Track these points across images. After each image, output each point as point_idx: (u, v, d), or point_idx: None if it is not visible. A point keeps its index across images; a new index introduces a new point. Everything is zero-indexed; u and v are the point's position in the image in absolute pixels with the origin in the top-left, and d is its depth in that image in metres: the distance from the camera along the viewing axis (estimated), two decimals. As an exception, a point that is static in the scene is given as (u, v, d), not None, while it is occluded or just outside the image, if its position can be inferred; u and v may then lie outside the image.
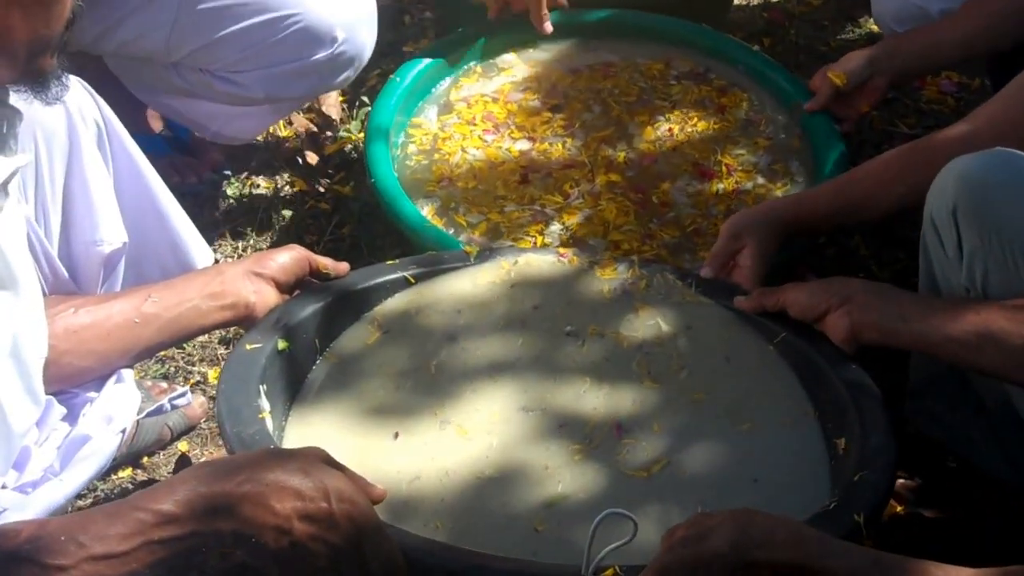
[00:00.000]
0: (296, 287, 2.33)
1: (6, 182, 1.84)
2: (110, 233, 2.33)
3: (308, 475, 1.71)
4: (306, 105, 3.39)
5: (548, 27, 3.18)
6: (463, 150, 3.01)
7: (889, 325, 2.19)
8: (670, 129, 3.04)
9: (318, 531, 1.69)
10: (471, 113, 3.10)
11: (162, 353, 2.81)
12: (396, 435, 2.16)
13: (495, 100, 3.13)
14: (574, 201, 2.86)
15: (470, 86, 3.19)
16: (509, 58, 3.26)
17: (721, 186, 2.88)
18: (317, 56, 2.91)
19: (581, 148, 2.98)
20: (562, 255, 2.48)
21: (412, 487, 2.05)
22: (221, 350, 2.84)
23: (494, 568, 1.84)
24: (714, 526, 1.68)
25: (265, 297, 2.27)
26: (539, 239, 2.75)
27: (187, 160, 3.21)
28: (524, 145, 3.01)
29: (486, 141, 3.02)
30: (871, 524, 1.92)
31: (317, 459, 1.75)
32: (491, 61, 3.25)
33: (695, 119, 3.07)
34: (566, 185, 2.89)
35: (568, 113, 3.08)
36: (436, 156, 2.99)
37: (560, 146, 2.99)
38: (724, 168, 2.92)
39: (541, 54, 3.27)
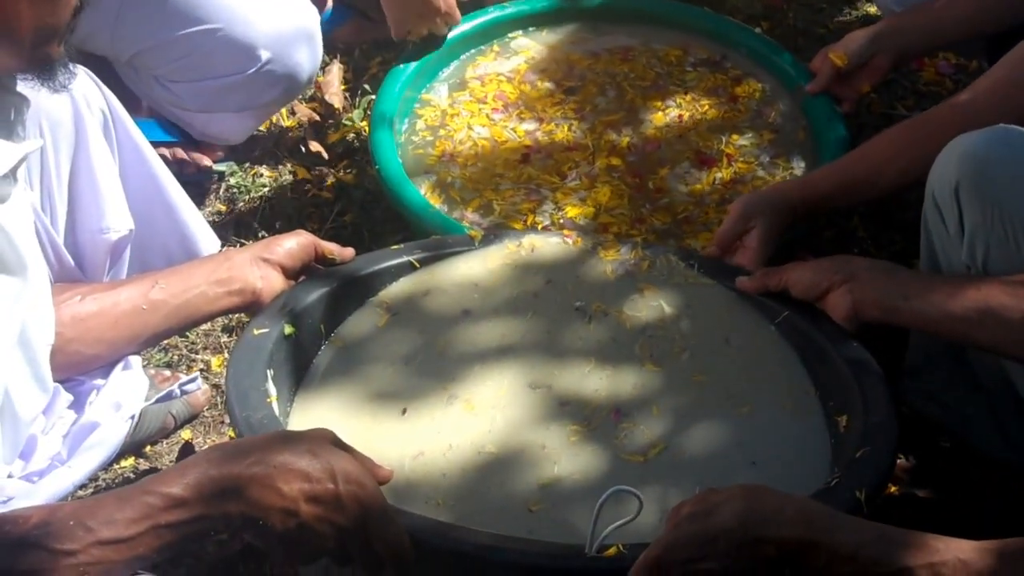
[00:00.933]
0: (302, 273, 2.33)
1: (14, 168, 1.85)
2: (116, 220, 2.35)
3: (315, 457, 1.72)
4: (309, 94, 3.40)
5: None
6: (469, 127, 3.03)
7: (890, 302, 2.20)
8: (680, 116, 3.04)
9: (325, 512, 1.71)
10: (484, 91, 3.12)
11: (165, 341, 2.82)
12: (404, 411, 2.17)
13: (510, 80, 3.15)
14: (570, 182, 2.87)
15: (486, 64, 3.21)
16: (526, 40, 3.27)
17: (719, 175, 2.89)
18: (243, 73, 2.95)
19: (587, 131, 3.00)
20: (566, 236, 2.50)
21: (416, 463, 2.07)
22: (224, 338, 2.85)
23: (500, 548, 1.85)
24: (721, 502, 1.70)
25: (272, 283, 2.27)
26: (530, 218, 2.78)
27: (187, 149, 3.21)
28: (531, 126, 3.02)
29: (493, 120, 3.04)
30: (872, 501, 1.93)
31: (325, 441, 1.77)
32: (508, 42, 3.26)
33: (706, 106, 3.07)
34: (565, 167, 2.91)
35: (582, 96, 3.10)
36: (442, 132, 3.02)
37: (566, 128, 3.01)
38: (725, 158, 2.93)
39: (560, 36, 3.29)
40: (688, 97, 3.09)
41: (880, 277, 2.24)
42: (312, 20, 3.03)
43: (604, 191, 2.83)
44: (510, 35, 3.28)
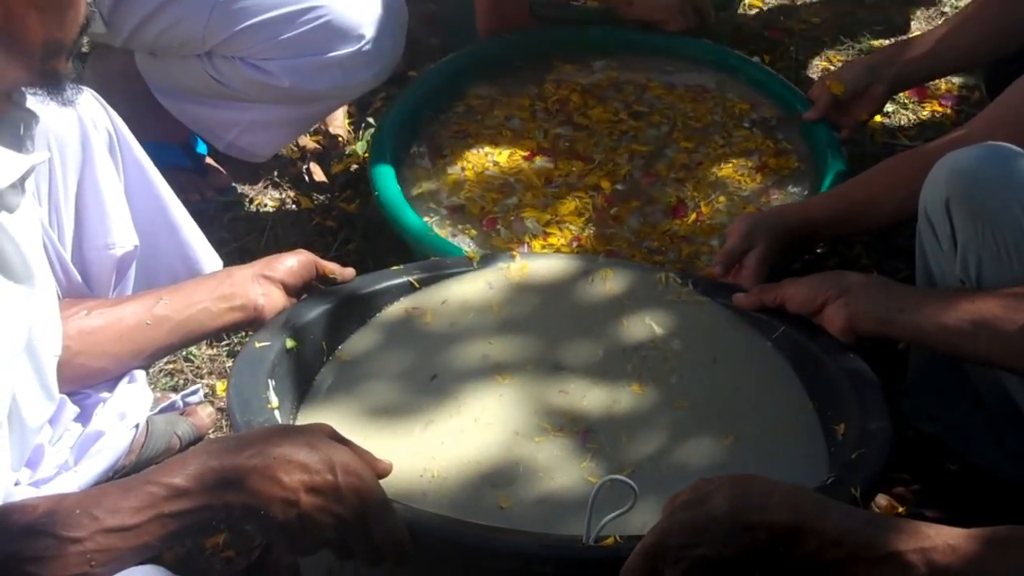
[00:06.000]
0: (303, 291, 2.36)
1: (23, 178, 1.88)
2: (121, 237, 2.38)
3: (315, 449, 1.76)
4: (312, 127, 3.44)
5: None
6: (507, 118, 3.11)
7: (885, 315, 2.23)
8: (700, 163, 3.02)
9: (324, 503, 1.74)
10: (552, 93, 3.19)
11: (171, 366, 2.86)
12: (434, 377, 2.27)
13: (585, 91, 3.20)
14: (550, 188, 2.93)
15: (571, 73, 3.27)
16: (613, 61, 3.32)
17: (675, 227, 2.86)
18: (341, 51, 3.00)
19: (608, 150, 3.04)
20: (563, 256, 2.54)
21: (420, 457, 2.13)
22: (229, 363, 2.87)
23: (497, 540, 1.87)
24: (713, 490, 1.72)
25: (273, 299, 2.30)
26: (489, 207, 2.86)
27: (192, 178, 3.27)
28: (565, 131, 3.08)
29: (536, 118, 3.11)
30: (868, 498, 1.96)
31: (323, 434, 1.81)
32: (592, 60, 3.33)
33: (731, 166, 3.03)
34: (557, 173, 2.96)
35: (643, 123, 3.12)
36: (478, 117, 3.12)
37: (592, 142, 3.05)
38: (695, 214, 2.90)
39: (647, 64, 3.32)
40: (722, 151, 3.06)
41: (875, 290, 2.27)
42: (404, 11, 3.13)
43: (569, 204, 2.87)
44: (601, 54, 3.34)
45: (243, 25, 2.96)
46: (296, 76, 3.01)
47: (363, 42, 3.01)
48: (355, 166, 3.41)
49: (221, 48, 3.01)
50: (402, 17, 3.11)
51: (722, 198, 2.93)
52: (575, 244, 2.78)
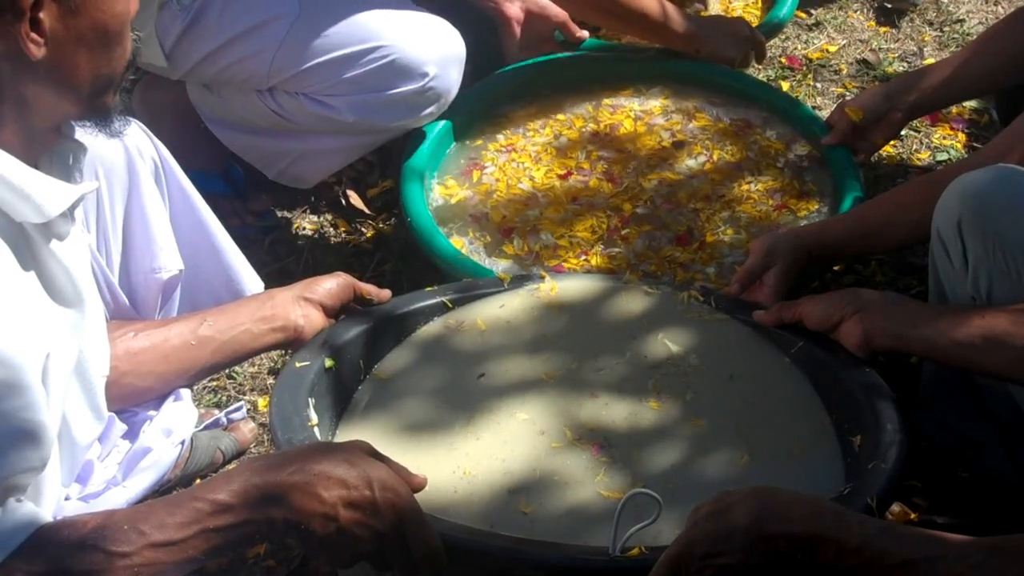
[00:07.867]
0: (341, 312, 2.41)
1: (72, 208, 1.93)
2: (167, 261, 2.43)
3: (353, 465, 1.82)
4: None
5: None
6: (556, 135, 3.20)
7: (899, 330, 2.28)
8: (722, 196, 3.08)
9: (362, 518, 1.80)
10: (606, 117, 3.27)
11: (214, 383, 2.92)
12: (481, 375, 2.35)
13: (638, 118, 3.26)
14: (573, 205, 3.00)
15: (626, 98, 3.35)
16: (666, 89, 3.39)
17: (677, 254, 2.93)
18: (407, 88, 3.03)
19: (639, 175, 3.09)
20: (592, 276, 2.60)
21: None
22: (270, 380, 2.94)
23: (529, 552, 1.93)
24: (735, 502, 1.78)
25: (312, 320, 2.36)
26: (511, 216, 2.96)
27: (232, 203, 3.31)
28: (607, 154, 3.16)
29: (583, 139, 3.18)
30: (883, 507, 2.01)
31: (361, 451, 1.87)
32: (648, 87, 3.40)
33: (752, 203, 3.08)
34: (585, 193, 3.03)
35: (682, 152, 3.18)
36: (530, 132, 3.23)
37: (629, 166, 3.12)
38: (698, 243, 2.96)
39: (699, 95, 3.38)
40: (747, 187, 3.12)
41: (889, 307, 2.32)
42: (464, 47, 3.14)
43: (587, 222, 2.96)
44: (656, 82, 3.41)
45: (309, 64, 3.00)
46: (360, 111, 3.04)
47: (427, 79, 3.03)
48: (391, 190, 3.45)
49: (284, 84, 3.05)
50: (462, 54, 3.13)
51: (729, 231, 2.98)
52: (583, 258, 2.86)
